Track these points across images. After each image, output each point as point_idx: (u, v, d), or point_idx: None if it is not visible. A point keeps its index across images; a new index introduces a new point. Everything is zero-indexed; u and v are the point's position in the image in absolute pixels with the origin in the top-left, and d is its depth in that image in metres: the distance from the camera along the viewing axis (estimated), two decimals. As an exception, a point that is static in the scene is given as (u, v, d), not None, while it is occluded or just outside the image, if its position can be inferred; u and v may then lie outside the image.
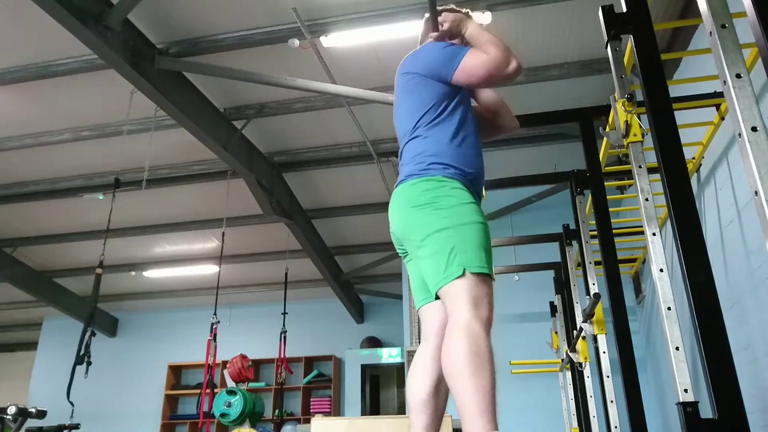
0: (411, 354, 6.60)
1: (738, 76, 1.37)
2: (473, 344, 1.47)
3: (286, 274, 7.13)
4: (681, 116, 2.03)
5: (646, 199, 1.91)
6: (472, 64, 1.82)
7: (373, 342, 8.87)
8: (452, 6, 2.09)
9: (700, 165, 4.06)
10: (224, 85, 5.10)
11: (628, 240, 5.43)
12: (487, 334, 1.52)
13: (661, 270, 1.79)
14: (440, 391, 1.71)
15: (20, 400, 5.21)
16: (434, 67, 1.87)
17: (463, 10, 2.09)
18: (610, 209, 3.47)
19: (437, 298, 1.69)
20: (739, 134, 1.33)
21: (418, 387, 1.69)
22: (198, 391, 7.76)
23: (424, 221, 1.68)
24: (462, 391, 1.44)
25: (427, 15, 2.14)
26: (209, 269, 8.30)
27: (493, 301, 1.61)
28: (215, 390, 5.76)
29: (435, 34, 2.01)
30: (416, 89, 1.89)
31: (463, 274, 1.58)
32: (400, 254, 1.92)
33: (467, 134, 1.84)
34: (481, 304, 1.56)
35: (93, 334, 4.47)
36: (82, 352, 4.42)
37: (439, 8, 2.06)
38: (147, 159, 5.58)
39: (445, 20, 2.00)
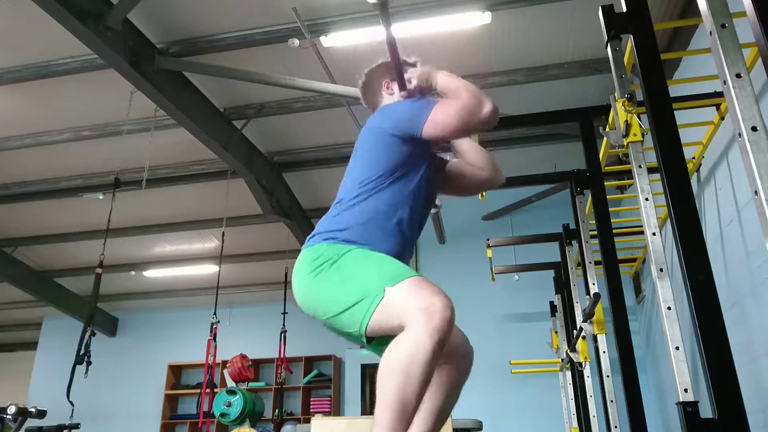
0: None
1: (738, 75, 1.37)
2: (408, 358, 1.35)
3: (286, 274, 7.13)
4: (681, 116, 2.03)
5: (646, 199, 1.91)
6: (443, 114, 1.67)
7: (373, 342, 8.84)
8: (404, 59, 1.94)
9: (700, 165, 4.06)
10: (224, 85, 5.10)
11: (628, 240, 5.43)
12: (433, 342, 1.35)
13: (661, 270, 1.79)
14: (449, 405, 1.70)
15: (20, 400, 5.21)
16: (402, 124, 1.71)
17: (411, 60, 1.96)
18: (610, 209, 3.48)
19: (370, 341, 1.53)
20: (739, 134, 1.33)
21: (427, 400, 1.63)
22: (198, 391, 7.76)
23: (322, 293, 1.58)
24: (380, 399, 1.37)
25: (367, 71, 2.02)
26: (209, 269, 8.30)
27: (438, 288, 1.45)
28: (215, 390, 5.76)
29: (404, 93, 1.85)
30: (375, 148, 1.75)
31: (384, 295, 1.45)
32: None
33: (403, 215, 1.70)
34: (426, 297, 1.41)
35: (93, 333, 4.47)
36: (82, 351, 4.42)
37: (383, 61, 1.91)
38: (147, 159, 5.58)
39: (412, 76, 1.84)
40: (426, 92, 1.86)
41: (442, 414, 1.68)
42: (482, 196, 4.38)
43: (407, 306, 1.42)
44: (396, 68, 1.82)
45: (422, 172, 1.77)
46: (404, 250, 1.71)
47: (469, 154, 1.96)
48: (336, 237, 1.64)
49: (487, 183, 1.98)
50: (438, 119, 1.67)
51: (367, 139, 1.80)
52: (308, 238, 1.72)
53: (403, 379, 1.35)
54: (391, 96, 1.95)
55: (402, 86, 1.85)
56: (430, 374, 1.38)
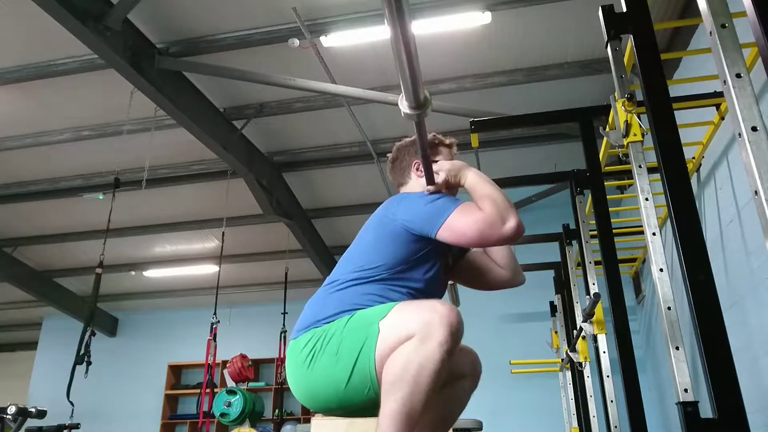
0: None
1: (738, 75, 1.37)
2: (416, 368, 1.33)
3: (286, 273, 7.13)
4: (681, 116, 2.03)
5: (646, 199, 1.91)
6: (462, 222, 1.56)
7: (373, 342, 8.83)
8: (439, 138, 1.88)
9: (700, 165, 4.06)
10: (224, 85, 5.10)
11: (628, 240, 5.43)
12: (442, 352, 1.32)
13: (661, 270, 1.79)
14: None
15: (20, 399, 5.21)
16: (419, 221, 1.62)
17: (447, 141, 1.88)
18: (610, 209, 3.47)
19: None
20: (739, 134, 1.33)
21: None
22: (198, 390, 7.76)
23: (324, 372, 1.49)
24: (384, 405, 1.35)
25: (398, 145, 1.94)
26: (209, 269, 8.30)
27: (425, 302, 1.42)
28: (215, 390, 5.76)
29: (431, 188, 1.71)
30: (385, 236, 1.66)
31: (380, 330, 1.41)
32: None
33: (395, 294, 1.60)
34: (428, 310, 1.37)
35: (93, 333, 4.48)
36: (82, 351, 4.43)
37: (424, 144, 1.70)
38: (147, 159, 5.58)
39: (441, 169, 1.74)
40: (453, 188, 1.77)
41: (448, 421, 1.68)
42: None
43: (409, 324, 1.37)
44: (424, 163, 1.68)
45: (429, 269, 1.67)
46: None
47: (493, 249, 1.88)
48: (320, 320, 1.56)
49: (505, 283, 1.89)
50: (455, 226, 1.57)
51: (379, 223, 1.71)
52: (295, 327, 1.63)
53: (411, 389, 1.32)
54: (419, 178, 1.84)
55: (429, 180, 1.72)
56: (438, 384, 1.35)
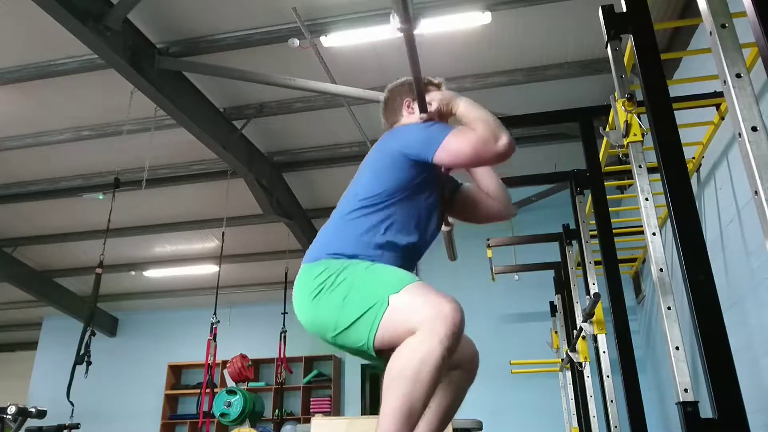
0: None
1: (738, 75, 1.37)
2: (416, 365, 1.34)
3: (286, 273, 7.13)
4: (681, 116, 2.03)
5: (646, 199, 1.91)
6: (457, 142, 1.64)
7: (373, 342, 8.82)
8: (429, 78, 1.93)
9: (700, 165, 4.06)
10: (224, 85, 5.10)
11: (628, 240, 5.43)
12: (442, 349, 1.34)
13: (661, 270, 1.79)
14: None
15: (20, 399, 5.21)
16: (416, 146, 1.69)
17: (436, 80, 1.95)
18: (610, 209, 3.48)
19: (379, 354, 1.49)
20: (739, 134, 1.33)
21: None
22: (198, 391, 7.75)
23: (326, 310, 1.55)
24: (384, 404, 1.36)
25: (390, 87, 2.00)
26: (209, 269, 8.30)
27: (443, 293, 1.43)
28: (215, 390, 5.76)
29: (423, 115, 1.80)
30: (383, 166, 1.73)
31: (389, 305, 1.44)
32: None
33: (401, 237, 1.67)
34: (435, 303, 1.39)
35: (93, 333, 4.47)
36: (82, 351, 4.42)
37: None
38: (147, 159, 5.58)
39: (433, 99, 1.84)
40: (445, 117, 1.84)
41: (446, 416, 1.68)
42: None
43: (415, 313, 1.39)
44: (417, 90, 1.78)
45: (427, 197, 1.75)
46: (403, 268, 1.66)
47: (484, 181, 1.93)
48: (335, 252, 1.63)
49: (497, 215, 1.94)
50: (451, 147, 1.65)
51: (377, 155, 1.78)
52: (308, 251, 1.71)
53: (412, 386, 1.33)
54: (411, 115, 1.92)
55: (422, 108, 1.81)
56: (438, 380, 1.36)
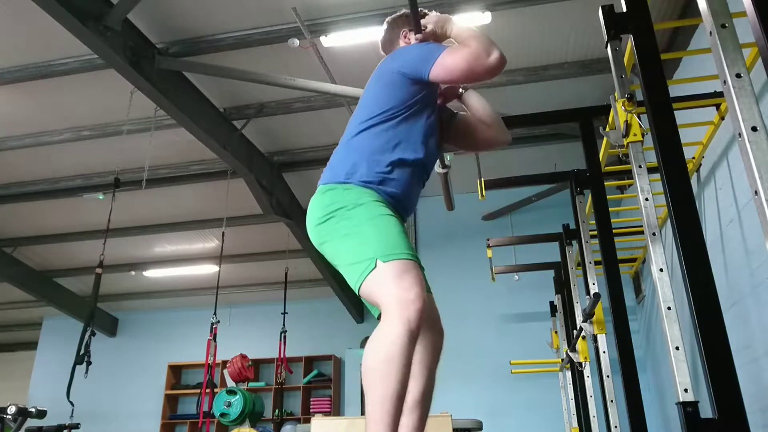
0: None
1: (738, 75, 1.37)
2: (386, 348, 1.43)
3: (286, 273, 7.13)
4: (681, 116, 2.03)
5: (646, 199, 1.91)
6: (451, 58, 1.75)
7: (373, 342, 8.81)
8: (424, 11, 2.04)
9: (700, 165, 4.06)
10: (224, 85, 5.10)
11: (628, 240, 5.43)
12: (407, 331, 1.44)
13: (661, 270, 1.79)
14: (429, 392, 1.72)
15: (20, 400, 5.21)
16: (412, 64, 1.80)
17: (431, 12, 2.04)
18: (610, 209, 3.48)
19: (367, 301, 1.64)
20: (739, 134, 1.33)
21: (411, 386, 1.67)
22: (198, 391, 7.76)
23: (329, 238, 1.69)
24: (368, 395, 1.45)
25: (389, 19, 2.11)
26: (209, 269, 8.30)
27: (417, 279, 1.53)
28: (215, 390, 5.76)
29: (419, 36, 1.94)
30: (383, 87, 1.83)
31: (375, 267, 1.54)
32: None
33: (407, 154, 1.76)
34: (404, 289, 1.49)
35: (93, 333, 4.47)
36: (82, 351, 4.42)
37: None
38: (147, 159, 5.58)
39: (429, 22, 1.96)
40: (440, 39, 1.94)
41: (426, 398, 1.72)
42: (482, 195, 4.38)
43: (388, 293, 1.50)
44: (412, 11, 1.91)
45: (428, 116, 1.84)
46: (410, 190, 1.78)
47: (477, 108, 2.02)
48: (349, 180, 1.71)
49: (492, 140, 2.03)
50: (446, 62, 1.75)
51: (376, 79, 1.87)
52: (324, 172, 1.82)
53: (386, 368, 1.42)
54: (407, 44, 2.01)
55: (417, 29, 1.94)
56: (409, 359, 1.46)
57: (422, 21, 1.95)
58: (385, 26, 2.11)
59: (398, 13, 2.11)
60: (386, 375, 1.42)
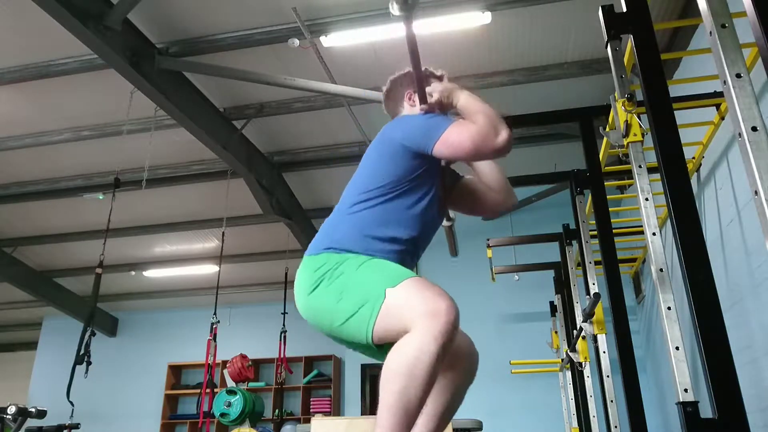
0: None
1: (738, 75, 1.37)
2: (410, 362, 1.34)
3: (286, 273, 7.13)
4: (681, 116, 2.03)
5: (646, 199, 1.91)
6: (457, 136, 1.63)
7: (373, 342, 8.82)
8: (431, 70, 1.92)
9: (700, 165, 4.06)
10: (224, 85, 5.10)
11: (628, 240, 5.43)
12: (436, 346, 1.33)
13: (661, 270, 1.79)
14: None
15: (20, 399, 5.21)
16: (415, 137, 1.68)
17: (438, 72, 1.94)
18: (610, 209, 3.47)
19: (380, 349, 1.50)
20: (739, 134, 1.33)
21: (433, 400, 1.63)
22: (198, 391, 7.76)
23: (324, 304, 1.56)
24: (382, 401, 1.37)
25: (392, 77, 1.98)
26: (209, 269, 8.30)
27: (441, 290, 1.43)
28: (215, 390, 5.76)
29: (424, 106, 1.80)
30: (384, 157, 1.73)
31: (385, 297, 1.44)
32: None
33: (403, 231, 1.67)
34: (430, 299, 1.39)
35: (93, 333, 4.47)
36: (82, 351, 4.42)
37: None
38: (147, 159, 5.57)
39: (434, 90, 1.81)
40: (446, 109, 1.82)
41: (445, 416, 1.67)
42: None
43: (411, 309, 1.39)
44: (417, 81, 1.79)
45: (429, 191, 1.74)
46: (402, 264, 1.65)
47: (484, 173, 1.91)
48: (335, 246, 1.63)
49: (498, 206, 1.94)
50: (451, 140, 1.64)
51: (377, 147, 1.77)
52: (311, 243, 1.71)
53: (406, 382, 1.33)
54: (412, 107, 1.91)
55: (422, 99, 1.81)
56: (434, 377, 1.36)
57: (428, 89, 1.82)
58: (387, 84, 2.00)
59: (402, 72, 1.97)
60: (405, 389, 1.33)
